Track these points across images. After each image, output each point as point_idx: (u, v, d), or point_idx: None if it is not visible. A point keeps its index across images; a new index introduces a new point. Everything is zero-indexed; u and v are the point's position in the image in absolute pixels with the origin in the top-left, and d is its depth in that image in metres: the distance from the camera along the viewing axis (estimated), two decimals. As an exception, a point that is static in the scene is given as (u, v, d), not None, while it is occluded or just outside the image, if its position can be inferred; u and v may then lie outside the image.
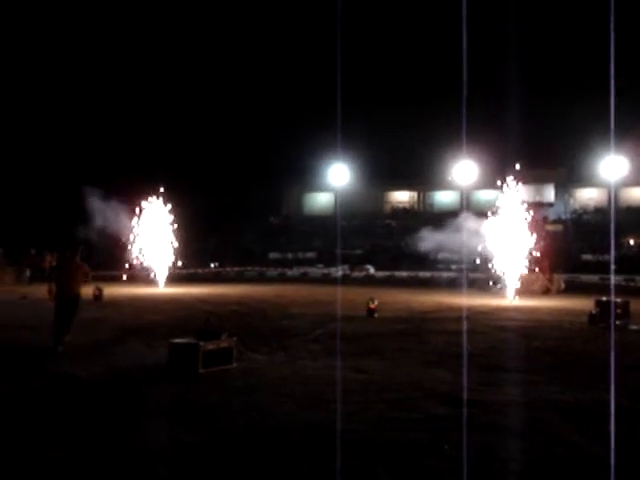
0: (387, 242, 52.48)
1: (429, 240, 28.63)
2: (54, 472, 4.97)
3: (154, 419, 6.49)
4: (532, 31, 59.66)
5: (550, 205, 56.28)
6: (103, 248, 31.52)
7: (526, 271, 22.77)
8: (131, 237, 27.28)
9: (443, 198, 61.48)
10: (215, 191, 53.60)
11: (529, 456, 5.36)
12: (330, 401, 6.76)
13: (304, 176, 59.20)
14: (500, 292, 22.24)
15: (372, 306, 15.89)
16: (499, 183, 23.20)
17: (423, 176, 58.38)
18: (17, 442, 5.71)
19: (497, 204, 23.12)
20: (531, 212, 23.25)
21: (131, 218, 27.32)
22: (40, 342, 11.05)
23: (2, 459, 5.27)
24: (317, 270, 43.69)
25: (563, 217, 55.21)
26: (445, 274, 35.38)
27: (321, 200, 64.42)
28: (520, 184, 23.22)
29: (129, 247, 27.26)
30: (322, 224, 55.43)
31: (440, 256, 40.93)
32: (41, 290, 23.48)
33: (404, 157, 55.36)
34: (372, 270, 43.10)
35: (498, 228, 22.38)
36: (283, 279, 38.15)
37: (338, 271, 39.69)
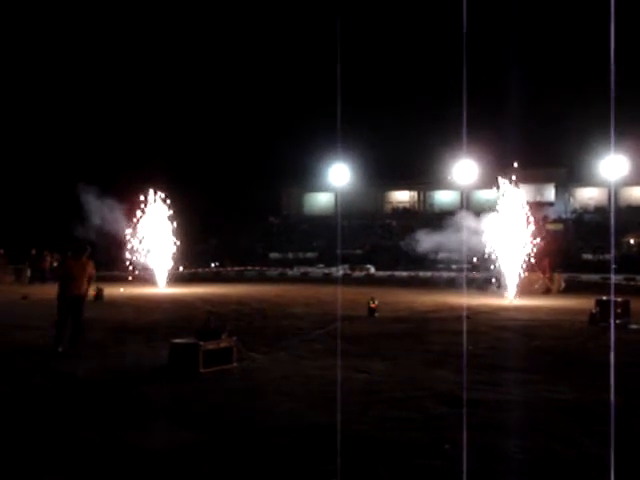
0: (387, 242, 52.49)
1: (428, 240, 28.66)
2: (54, 472, 4.97)
3: (155, 419, 6.49)
4: (532, 30, 59.66)
5: (550, 204, 56.26)
6: (103, 248, 31.53)
7: (526, 271, 22.77)
8: (131, 237, 27.29)
9: (443, 198, 61.49)
10: (216, 191, 53.62)
11: (530, 455, 5.36)
12: (331, 401, 6.76)
13: (304, 176, 59.22)
14: (500, 292, 22.24)
15: (373, 306, 15.90)
16: (499, 183, 23.19)
17: (423, 176, 58.38)
18: (17, 442, 5.71)
19: (497, 204, 23.11)
20: (531, 212, 23.24)
21: (130, 218, 27.32)
22: (41, 342, 11.06)
23: (2, 459, 5.27)
24: (317, 270, 43.70)
25: (563, 216, 55.21)
26: (445, 274, 35.38)
27: (321, 200, 64.43)
28: (520, 183, 23.22)
29: (129, 247, 27.26)
30: (322, 224, 55.45)
31: (440, 256, 40.96)
32: (42, 290, 23.60)
33: (404, 157, 55.36)
34: (372, 270, 43.11)
35: (498, 227, 22.36)
36: (283, 279, 38.16)
37: (338, 271, 39.71)
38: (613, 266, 35.95)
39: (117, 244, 27.66)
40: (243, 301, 20.25)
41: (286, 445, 5.59)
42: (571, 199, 58.29)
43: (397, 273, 40.09)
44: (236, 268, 43.79)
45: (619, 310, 14.16)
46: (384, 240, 53.45)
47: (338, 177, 56.32)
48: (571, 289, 25.83)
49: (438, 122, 52.73)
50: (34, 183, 48.19)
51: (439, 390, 7.62)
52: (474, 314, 16.00)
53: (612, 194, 54.16)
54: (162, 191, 28.22)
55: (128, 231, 27.19)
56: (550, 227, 45.35)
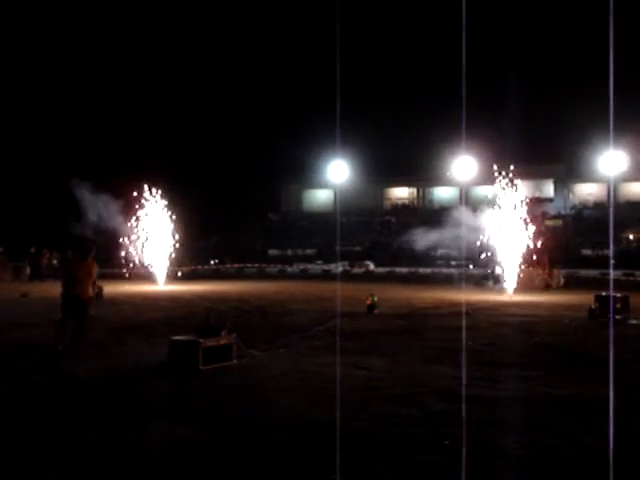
0: (387, 238, 52.50)
1: (426, 237, 28.68)
2: (54, 471, 4.97)
3: (155, 417, 6.50)
4: (531, 27, 59.56)
5: (549, 200, 56.28)
6: (101, 245, 31.52)
7: (526, 267, 22.79)
8: (130, 234, 27.28)
9: (442, 194, 61.49)
10: (215, 188, 53.61)
11: (529, 451, 5.37)
12: (330, 397, 6.76)
13: (303, 173, 59.20)
14: (499, 288, 22.25)
15: (372, 302, 15.91)
16: (498, 179, 23.19)
17: (422, 172, 58.38)
18: (17, 441, 5.72)
19: (496, 199, 23.12)
20: (530, 208, 23.25)
21: (129, 215, 27.30)
22: (41, 340, 11.06)
23: (2, 458, 5.27)
24: (317, 267, 43.70)
25: (562, 212, 55.22)
26: (445, 270, 35.39)
27: (320, 197, 64.41)
28: (519, 180, 23.24)
29: (128, 244, 27.26)
30: (322, 221, 55.44)
31: (439, 252, 40.97)
32: (41, 288, 23.59)
33: (403, 153, 55.36)
34: (372, 266, 43.12)
35: (497, 223, 22.38)
36: (283, 276, 38.16)
37: (338, 267, 39.71)
38: (612, 262, 35.96)
39: (116, 242, 27.66)
40: (242, 298, 20.25)
41: (286, 442, 5.59)
42: (570, 195, 58.30)
43: (396, 269, 40.08)
44: (235, 265, 43.79)
45: (618, 305, 14.18)
46: (383, 237, 53.46)
47: (337, 174, 56.31)
48: (570, 285, 25.86)
49: (437, 118, 52.73)
50: (33, 181, 48.16)
51: (438, 386, 7.63)
52: (473, 310, 16.02)
53: (611, 190, 54.18)
54: (161, 188, 28.22)
55: (127, 228, 27.19)
56: (549, 223, 45.37)
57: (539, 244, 23.06)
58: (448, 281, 27.76)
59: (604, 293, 14.80)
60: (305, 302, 18.87)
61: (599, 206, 55.26)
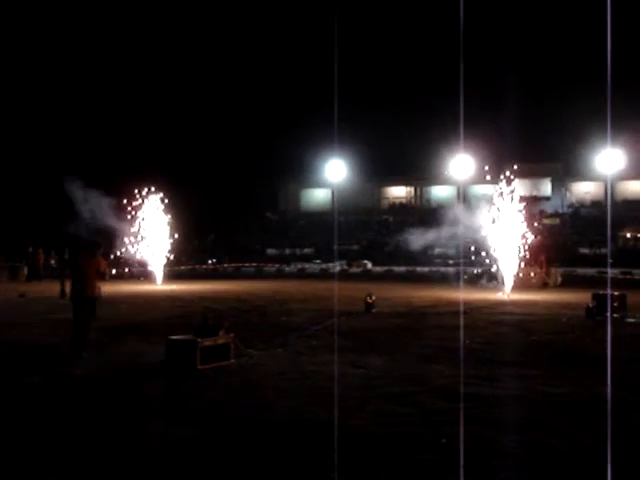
0: (384, 237, 52.55)
1: (424, 236, 28.71)
2: (53, 470, 4.98)
3: (153, 416, 6.50)
4: (528, 26, 59.60)
5: (547, 199, 56.38)
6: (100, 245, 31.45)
7: (523, 265, 22.80)
8: (128, 234, 27.25)
9: (440, 193, 61.54)
10: (213, 188, 53.61)
11: (527, 449, 5.38)
12: (328, 396, 6.77)
13: (301, 172, 59.25)
14: (496, 286, 22.27)
15: (370, 301, 15.92)
16: (496, 177, 23.20)
17: (420, 171, 58.43)
18: (16, 440, 5.72)
19: (493, 198, 23.13)
20: (528, 206, 23.27)
21: (128, 215, 27.28)
22: (39, 340, 11.05)
23: (2, 458, 5.27)
24: (315, 266, 43.75)
25: (560, 211, 55.30)
26: (442, 269, 35.43)
27: (318, 196, 64.43)
28: (517, 178, 23.24)
29: (127, 244, 27.24)
30: (319, 220, 55.48)
31: (437, 251, 41.01)
32: (39, 288, 23.55)
33: (401, 153, 55.41)
34: (370, 265, 43.17)
35: (494, 222, 22.38)
36: (281, 275, 38.17)
37: (336, 266, 39.74)
38: (609, 260, 36.03)
39: (115, 241, 27.64)
40: (241, 298, 20.25)
41: (284, 441, 5.60)
42: (567, 193, 58.38)
43: (394, 268, 40.12)
44: (233, 264, 43.80)
45: (616, 304, 14.19)
46: (381, 236, 53.51)
47: (335, 173, 56.34)
48: (568, 283, 25.89)
49: (434, 118, 52.78)
50: (30, 181, 48.10)
51: (436, 385, 7.64)
52: (471, 309, 16.04)
53: (608, 188, 54.26)
54: (160, 188, 28.20)
55: (125, 228, 27.16)
56: (547, 222, 45.46)
57: (536, 243, 23.07)
58: (445, 280, 27.77)
59: (601, 291, 14.83)
60: (303, 301, 18.88)
61: (596, 204, 55.36)
